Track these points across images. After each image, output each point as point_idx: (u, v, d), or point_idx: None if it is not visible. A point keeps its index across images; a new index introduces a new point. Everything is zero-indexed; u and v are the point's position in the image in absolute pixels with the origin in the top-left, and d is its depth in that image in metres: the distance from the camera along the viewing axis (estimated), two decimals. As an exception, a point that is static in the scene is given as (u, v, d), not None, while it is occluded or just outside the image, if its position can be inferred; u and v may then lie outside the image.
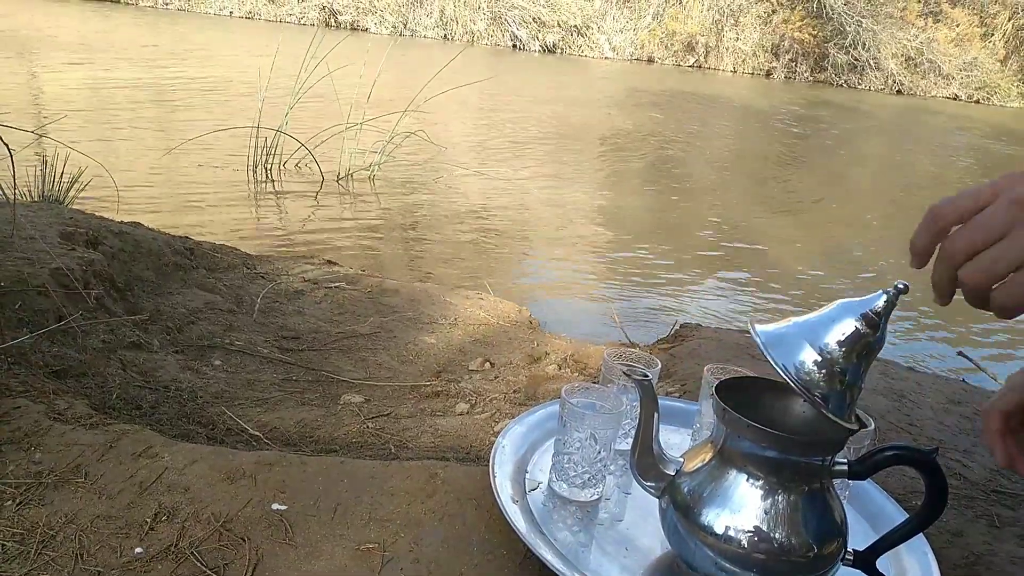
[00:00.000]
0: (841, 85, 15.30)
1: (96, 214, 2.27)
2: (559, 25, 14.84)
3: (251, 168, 4.32)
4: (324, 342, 1.82)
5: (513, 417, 1.19)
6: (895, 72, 15.29)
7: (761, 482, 0.77)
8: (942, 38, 15.40)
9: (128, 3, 13.94)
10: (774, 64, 15.48)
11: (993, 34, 15.96)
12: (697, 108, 9.93)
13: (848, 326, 0.74)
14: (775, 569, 0.75)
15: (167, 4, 14.12)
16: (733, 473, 0.78)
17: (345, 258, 3.02)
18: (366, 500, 1.00)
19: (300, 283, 2.18)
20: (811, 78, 15.43)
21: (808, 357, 0.73)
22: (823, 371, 0.73)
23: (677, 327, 2.14)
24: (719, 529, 0.76)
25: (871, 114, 11.66)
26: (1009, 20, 15.85)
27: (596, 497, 1.01)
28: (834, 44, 15.26)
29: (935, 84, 15.35)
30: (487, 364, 1.78)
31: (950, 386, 1.80)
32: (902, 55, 15.28)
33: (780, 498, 0.77)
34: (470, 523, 0.98)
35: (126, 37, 9.64)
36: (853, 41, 15.12)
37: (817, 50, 15.40)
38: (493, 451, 1.06)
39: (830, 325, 0.75)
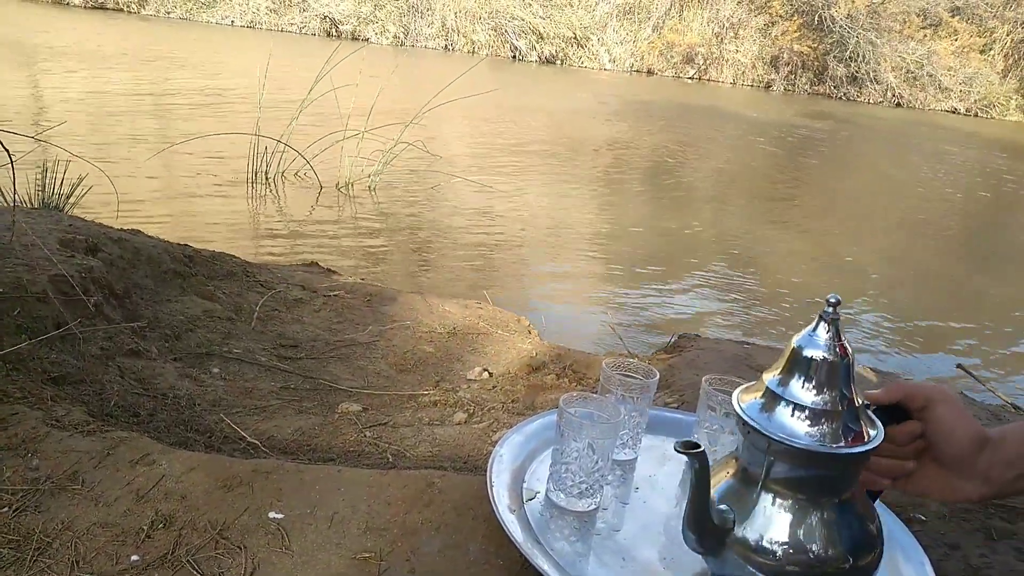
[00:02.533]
0: (840, 98, 15.36)
1: (95, 221, 2.27)
2: (559, 37, 14.90)
3: (251, 177, 4.33)
4: (322, 350, 1.82)
5: (511, 427, 1.19)
6: (894, 85, 15.35)
7: (790, 500, 0.76)
8: (942, 51, 15.46)
9: (131, 12, 14.00)
10: (773, 76, 15.54)
11: (992, 48, 16.03)
12: (696, 120, 9.96)
13: (815, 366, 0.74)
14: None
15: (169, 13, 14.18)
16: (761, 492, 0.77)
17: (344, 267, 3.02)
18: (363, 509, 1.00)
19: (299, 291, 2.19)
20: (810, 90, 15.49)
21: (799, 423, 0.73)
22: (821, 420, 0.72)
23: (675, 337, 2.14)
24: (753, 545, 0.75)
25: (870, 127, 11.70)
26: (1008, 35, 15.93)
27: (593, 507, 1.01)
28: (834, 56, 15.33)
29: (934, 97, 15.41)
30: (485, 373, 1.78)
31: (948, 398, 1.79)
32: (902, 68, 15.35)
33: (812, 513, 0.75)
34: (467, 533, 0.97)
35: (128, 45, 9.68)
36: (853, 54, 15.19)
37: (817, 62, 15.47)
38: (491, 460, 1.05)
39: (797, 372, 0.74)
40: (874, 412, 0.76)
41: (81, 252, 1.82)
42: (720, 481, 0.82)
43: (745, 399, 0.78)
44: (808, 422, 0.73)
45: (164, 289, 1.95)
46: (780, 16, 15.57)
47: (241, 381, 1.60)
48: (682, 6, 15.74)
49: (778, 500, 0.76)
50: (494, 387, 1.71)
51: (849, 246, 4.76)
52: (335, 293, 2.21)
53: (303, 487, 1.03)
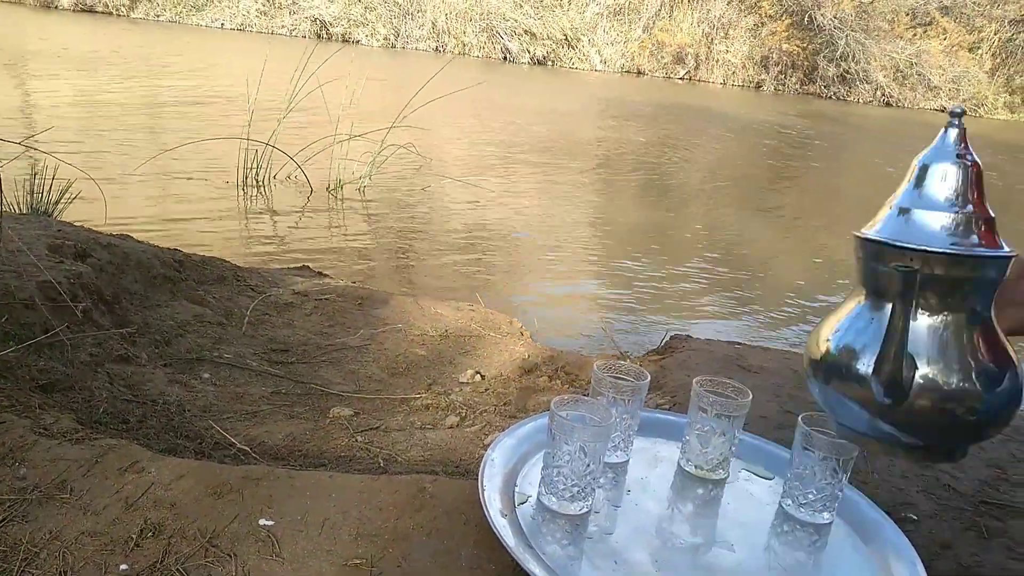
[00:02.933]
0: (830, 97, 15.42)
1: (84, 226, 2.26)
2: (550, 38, 14.92)
3: (241, 180, 4.32)
4: (314, 355, 1.81)
5: (503, 430, 1.19)
6: (884, 84, 15.42)
7: (952, 322, 0.69)
8: (931, 51, 15.54)
9: (119, 15, 13.94)
10: (763, 76, 15.60)
11: (980, 47, 16.12)
12: (687, 120, 9.98)
13: (948, 170, 0.70)
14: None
15: (158, 16, 14.13)
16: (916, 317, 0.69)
17: (335, 270, 3.01)
18: (354, 515, 0.99)
19: (290, 295, 2.18)
20: (800, 90, 15.56)
21: (941, 220, 0.68)
22: (966, 224, 0.68)
23: (667, 338, 2.14)
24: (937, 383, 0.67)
25: (860, 126, 11.75)
26: (996, 33, 16.03)
27: (585, 510, 1.01)
28: (823, 56, 15.39)
29: (923, 96, 15.49)
30: (477, 376, 1.77)
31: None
32: (891, 68, 15.42)
33: (969, 332, 0.69)
34: (459, 538, 0.97)
35: (117, 49, 9.64)
36: (843, 54, 15.25)
37: (806, 62, 15.53)
38: (482, 464, 1.05)
39: (929, 184, 0.70)
40: None
41: (70, 258, 1.81)
42: (848, 315, 0.74)
43: (870, 228, 0.72)
44: (952, 228, 0.68)
45: (154, 294, 1.94)
46: (769, 16, 15.64)
47: (232, 386, 1.59)
48: (672, 6, 15.79)
49: (943, 326, 0.69)
50: (486, 390, 1.71)
51: (840, 244, 4.78)
52: (326, 297, 2.20)
53: (294, 493, 1.02)
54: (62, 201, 2.70)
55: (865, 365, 0.69)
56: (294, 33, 14.14)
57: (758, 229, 4.99)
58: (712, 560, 0.96)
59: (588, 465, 0.99)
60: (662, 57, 15.45)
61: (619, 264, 3.88)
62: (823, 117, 11.89)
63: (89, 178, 2.67)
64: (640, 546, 0.97)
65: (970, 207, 0.69)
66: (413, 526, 0.98)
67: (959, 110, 0.71)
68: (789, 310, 3.49)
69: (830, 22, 15.24)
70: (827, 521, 1.05)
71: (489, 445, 1.13)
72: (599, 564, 0.92)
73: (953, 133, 0.71)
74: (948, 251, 0.67)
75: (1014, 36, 15.99)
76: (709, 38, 15.62)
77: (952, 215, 0.69)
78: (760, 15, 15.69)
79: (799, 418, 1.05)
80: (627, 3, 15.69)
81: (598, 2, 15.54)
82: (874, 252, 0.71)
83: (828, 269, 4.33)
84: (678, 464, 1.16)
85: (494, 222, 4.27)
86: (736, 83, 15.63)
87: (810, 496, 1.04)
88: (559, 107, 9.67)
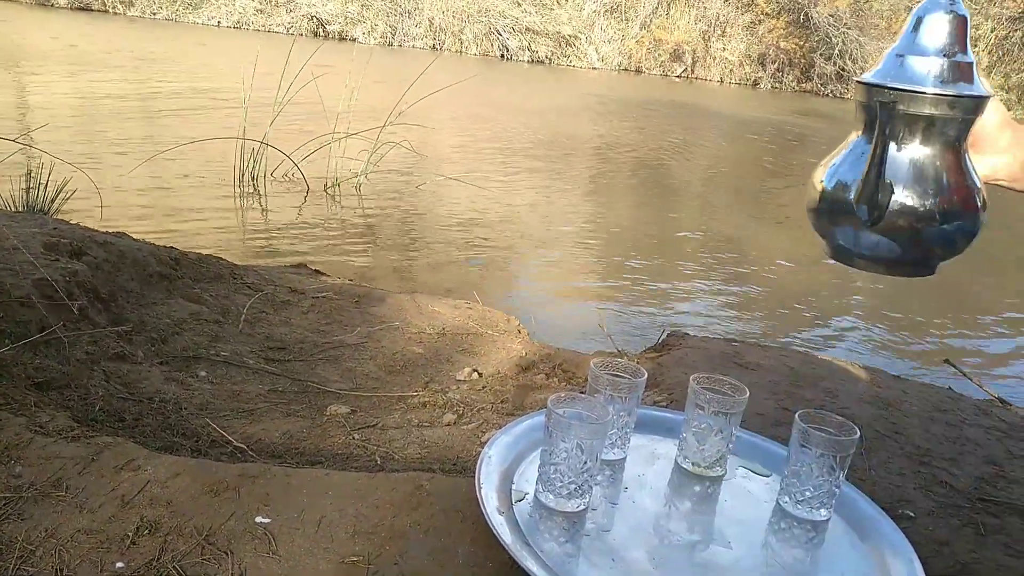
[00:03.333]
0: (827, 95, 15.43)
1: (80, 224, 2.25)
2: (547, 34, 14.90)
3: (237, 178, 4.31)
4: (311, 352, 1.81)
5: (501, 427, 1.19)
6: (881, 82, 15.40)
7: (933, 154, 0.77)
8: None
9: (116, 13, 13.91)
10: (760, 74, 15.60)
11: (976, 44, 16.13)
12: (685, 118, 9.98)
13: (942, 22, 0.76)
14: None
15: (155, 14, 14.10)
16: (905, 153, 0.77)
17: (332, 268, 3.01)
18: (351, 513, 0.99)
19: (287, 293, 2.17)
20: (797, 88, 15.56)
21: (925, 64, 0.75)
22: (957, 70, 0.75)
23: (664, 336, 2.14)
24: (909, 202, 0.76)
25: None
26: (992, 31, 16.04)
27: (583, 508, 1.01)
28: (820, 54, 15.39)
29: (920, 94, 15.48)
30: (475, 374, 1.77)
31: (936, 394, 1.80)
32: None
33: (948, 159, 0.77)
34: (456, 535, 0.97)
35: (113, 47, 9.62)
36: (839, 51, 15.25)
37: (803, 60, 15.53)
38: (479, 462, 1.05)
39: (924, 31, 0.76)
40: None
41: (66, 256, 1.80)
42: (842, 152, 0.82)
43: (871, 74, 0.78)
44: (942, 74, 0.75)
45: (150, 292, 1.93)
46: (766, 14, 15.64)
47: (228, 384, 1.59)
48: (669, 4, 15.78)
49: (920, 159, 0.77)
50: (483, 388, 1.70)
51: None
52: (323, 294, 2.20)
53: (290, 491, 1.02)
54: (58, 199, 2.69)
55: (851, 191, 0.78)
56: (291, 31, 14.11)
57: (755, 227, 5.00)
58: (709, 557, 0.96)
59: (585, 462, 0.98)
60: (659, 55, 15.45)
61: (616, 262, 3.87)
62: (820, 115, 11.90)
63: (86, 176, 2.66)
64: (637, 543, 0.97)
65: (952, 53, 0.75)
66: (410, 524, 0.98)
67: None
68: (786, 308, 3.49)
69: (826, 20, 15.25)
70: (824, 518, 1.05)
71: (486, 443, 1.13)
72: (596, 561, 0.92)
73: None
74: (919, 90, 0.75)
75: (1011, 34, 16.00)
76: (706, 36, 15.62)
77: (934, 59, 0.75)
78: (757, 13, 15.69)
79: (796, 415, 1.05)
80: (624, 1, 15.69)
81: (595, 0, 15.53)
82: (865, 92, 0.79)
83: (825, 267, 4.34)
84: (675, 461, 1.16)
85: (492, 220, 4.27)
86: (733, 81, 15.63)
87: (807, 493, 1.04)
88: (557, 105, 9.66)
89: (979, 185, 0.79)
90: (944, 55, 0.74)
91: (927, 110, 0.75)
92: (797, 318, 3.39)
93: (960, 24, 0.75)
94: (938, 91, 0.74)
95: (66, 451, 1.06)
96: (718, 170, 7.00)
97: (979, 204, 0.78)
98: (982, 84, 0.76)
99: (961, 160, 0.78)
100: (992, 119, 0.79)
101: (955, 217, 0.77)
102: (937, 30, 0.75)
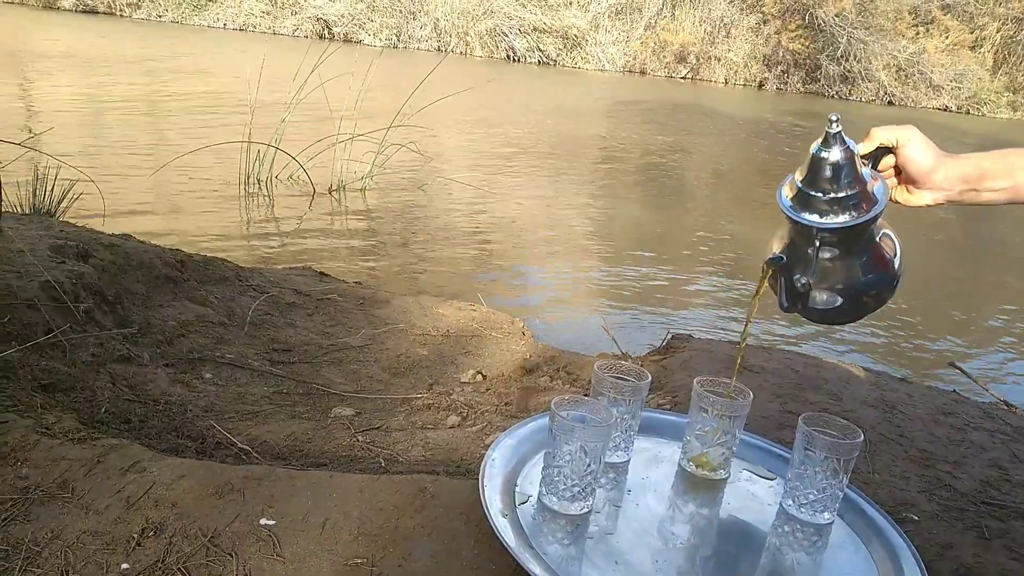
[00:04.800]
0: (833, 96, 15.39)
1: (87, 227, 2.26)
2: (553, 36, 14.91)
3: (243, 181, 4.32)
4: (315, 355, 1.81)
5: (504, 430, 1.19)
6: (886, 83, 15.39)
7: (839, 258, 0.93)
8: (932, 49, 15.50)
9: (122, 15, 13.97)
10: (766, 75, 15.58)
11: (982, 45, 16.08)
12: (690, 120, 9.98)
13: (829, 166, 0.90)
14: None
15: (160, 16, 14.15)
16: (816, 258, 0.93)
17: (337, 270, 3.01)
18: (355, 515, 0.99)
19: (292, 295, 2.18)
20: (803, 89, 15.53)
21: (824, 210, 0.90)
22: (836, 208, 0.89)
23: (668, 338, 2.14)
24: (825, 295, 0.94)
25: (863, 125, 11.71)
26: (998, 31, 15.98)
27: (586, 510, 1.01)
28: (826, 55, 15.36)
29: (925, 95, 15.46)
30: (479, 376, 1.77)
31: (941, 397, 1.80)
32: (893, 66, 15.39)
33: (855, 258, 0.94)
34: (459, 538, 0.97)
35: (120, 50, 9.65)
36: (845, 52, 15.22)
37: (809, 61, 15.50)
38: (483, 464, 1.05)
39: (817, 174, 0.90)
40: (868, 156, 0.95)
41: (72, 258, 1.81)
42: (780, 239, 0.99)
43: (786, 197, 0.94)
44: (837, 209, 0.89)
45: (156, 294, 1.94)
46: (772, 15, 15.61)
47: (233, 386, 1.59)
48: (674, 6, 15.77)
49: (832, 259, 0.93)
50: (487, 390, 1.71)
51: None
52: (328, 297, 2.20)
53: (295, 493, 1.02)
54: (64, 201, 2.70)
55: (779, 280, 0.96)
56: (297, 33, 14.15)
57: (761, 229, 4.99)
58: (713, 560, 0.97)
59: (589, 465, 0.99)
60: (664, 56, 15.44)
61: (621, 264, 3.87)
62: (826, 116, 11.85)
63: (91, 180, 2.67)
64: (641, 546, 0.97)
65: (847, 194, 0.90)
66: (414, 526, 0.98)
67: (835, 117, 0.91)
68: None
69: (832, 21, 15.21)
70: (828, 521, 1.05)
71: (490, 445, 1.13)
72: (600, 564, 0.92)
73: (834, 142, 0.90)
74: (826, 225, 0.90)
75: (1016, 34, 15.95)
76: (711, 37, 15.61)
77: (833, 200, 0.90)
78: (762, 14, 15.67)
79: (800, 418, 1.05)
80: (629, 2, 15.68)
81: (600, 1, 15.52)
82: (787, 217, 0.94)
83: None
84: (679, 464, 1.16)
85: (496, 222, 4.27)
86: (738, 82, 15.61)
87: (811, 496, 1.04)
88: (562, 106, 9.67)
89: (890, 249, 0.95)
90: (843, 196, 0.89)
91: (836, 236, 0.90)
92: (801, 321, 3.39)
93: (849, 160, 0.89)
94: (841, 224, 0.89)
95: (72, 453, 1.07)
96: (723, 172, 6.99)
97: (889, 267, 0.95)
98: (873, 191, 0.90)
99: (871, 244, 0.93)
100: (924, 165, 0.94)
101: (870, 284, 0.94)
102: (835, 176, 0.89)
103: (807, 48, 15.38)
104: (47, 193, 2.64)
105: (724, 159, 7.61)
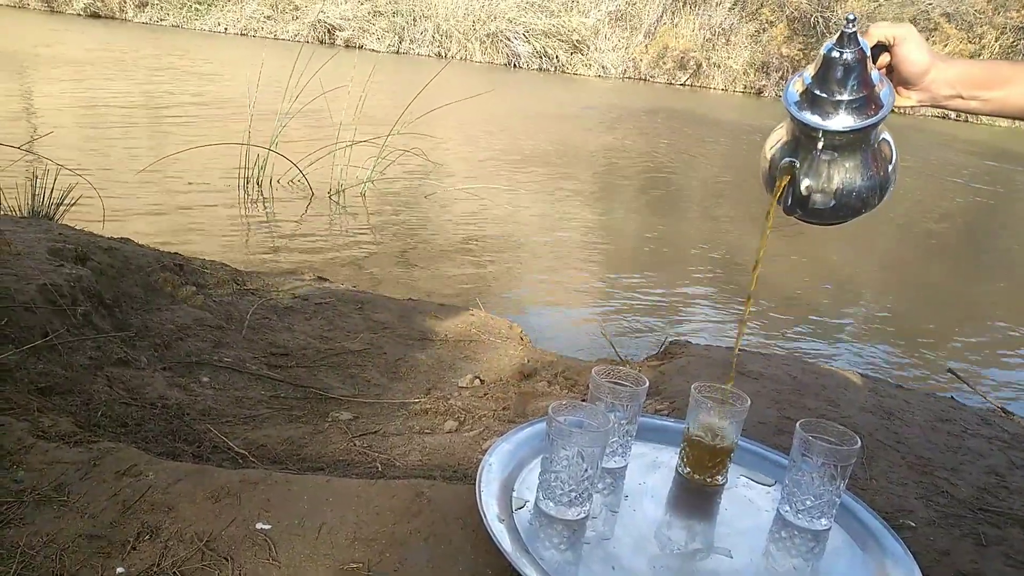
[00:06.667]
0: (832, 103, 15.39)
1: (85, 230, 2.26)
2: (554, 42, 14.94)
3: (242, 185, 4.33)
4: (314, 359, 1.81)
5: (502, 435, 1.19)
6: (885, 91, 15.40)
7: (843, 156, 0.94)
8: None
9: (124, 20, 13.99)
10: (764, 82, 15.61)
11: (982, 54, 16.12)
12: (689, 126, 9.99)
13: (840, 65, 0.90)
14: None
15: (161, 20, 14.17)
16: (819, 154, 0.95)
17: (336, 274, 3.01)
18: (351, 519, 0.99)
19: (290, 299, 2.18)
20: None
21: (830, 112, 0.90)
22: (843, 110, 0.90)
23: (666, 344, 2.14)
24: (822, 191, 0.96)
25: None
26: (996, 40, 16.03)
27: (583, 515, 1.01)
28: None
29: (925, 102, 15.46)
30: (477, 381, 1.77)
31: (938, 404, 1.80)
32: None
33: (860, 155, 0.95)
34: (456, 543, 0.97)
35: (120, 54, 9.67)
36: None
37: (807, 68, 15.52)
38: (480, 469, 1.05)
39: (828, 74, 0.90)
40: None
41: (70, 261, 1.81)
42: (780, 141, 1.00)
43: (793, 93, 0.94)
44: (844, 111, 0.90)
45: (154, 298, 1.94)
46: (770, 22, 15.65)
47: (231, 390, 1.59)
48: (673, 12, 15.81)
49: (834, 161, 0.94)
50: (485, 395, 1.70)
51: (841, 252, 4.77)
52: (326, 301, 2.20)
53: (291, 497, 1.02)
54: (63, 205, 2.70)
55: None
56: (298, 38, 14.16)
57: (757, 236, 4.99)
58: (710, 566, 0.96)
59: (586, 470, 0.99)
60: (664, 63, 15.47)
61: (619, 270, 3.88)
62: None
63: (90, 184, 2.67)
64: (638, 552, 0.97)
65: (855, 91, 0.90)
66: (410, 531, 0.98)
67: (852, 16, 0.91)
68: (788, 317, 3.48)
69: (832, 28, 15.26)
70: (825, 527, 1.04)
71: (487, 450, 1.13)
72: (596, 570, 0.92)
73: (848, 43, 0.90)
74: (831, 128, 0.91)
75: (1016, 43, 15.99)
76: (710, 44, 15.64)
77: (841, 103, 0.90)
78: (761, 21, 15.71)
79: (798, 424, 1.05)
80: (628, 9, 15.71)
81: (600, 8, 15.56)
82: (791, 117, 0.94)
83: (828, 276, 4.33)
84: (676, 470, 1.15)
85: (495, 228, 4.27)
86: (737, 89, 15.63)
87: (808, 502, 1.04)
88: (561, 112, 9.68)
89: (888, 156, 0.96)
90: (850, 99, 0.90)
91: (840, 139, 0.92)
92: (799, 327, 3.39)
93: (861, 62, 0.89)
94: (848, 127, 0.90)
95: (68, 456, 1.06)
96: (721, 178, 7.00)
97: (886, 173, 0.96)
98: (880, 95, 0.91)
99: (873, 148, 0.94)
100: (918, 64, 0.94)
101: (866, 188, 0.95)
102: (845, 77, 0.90)
103: (806, 55, 15.41)
104: (46, 196, 2.64)
105: (723, 166, 7.62)
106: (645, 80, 15.44)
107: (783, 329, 3.31)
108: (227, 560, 0.91)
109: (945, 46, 15.71)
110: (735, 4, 15.78)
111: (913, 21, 15.65)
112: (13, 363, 1.33)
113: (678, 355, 1.94)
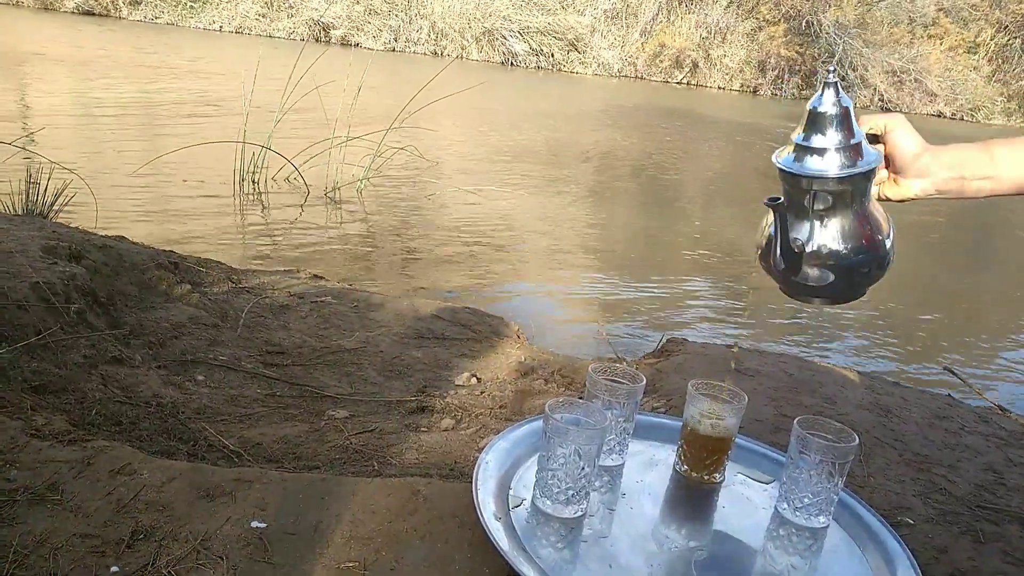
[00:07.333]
0: (828, 101, 15.40)
1: (79, 228, 2.25)
2: (550, 40, 14.93)
3: (238, 182, 4.31)
4: (309, 357, 1.80)
5: (498, 433, 1.18)
6: (882, 89, 15.44)
7: (834, 216, 0.92)
8: (928, 55, 15.57)
9: (119, 17, 13.95)
10: (760, 81, 15.62)
11: (978, 51, 16.15)
12: (685, 125, 10.00)
13: (826, 119, 0.90)
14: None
15: (156, 18, 14.13)
16: (812, 218, 0.93)
17: (332, 272, 3.00)
18: (347, 518, 0.99)
19: (286, 297, 2.17)
20: (798, 95, 15.57)
21: (826, 160, 0.89)
22: (840, 153, 0.89)
23: (663, 342, 2.14)
24: (819, 254, 0.92)
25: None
26: (992, 39, 16.06)
27: (580, 514, 1.01)
28: (821, 61, 15.41)
29: (920, 101, 15.52)
30: (473, 379, 1.77)
31: (936, 401, 1.80)
32: (889, 72, 15.44)
33: (849, 217, 0.92)
34: (453, 541, 0.97)
35: (114, 51, 9.63)
36: (841, 58, 15.27)
37: (804, 67, 15.55)
38: (476, 467, 1.05)
39: (814, 126, 0.91)
40: None
41: (64, 259, 1.80)
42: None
43: (783, 156, 0.94)
44: (831, 157, 0.90)
45: (149, 296, 1.93)
46: (767, 21, 15.66)
47: (226, 388, 1.58)
48: (669, 11, 15.81)
49: (823, 221, 0.92)
50: (482, 392, 1.70)
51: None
52: (322, 299, 2.19)
53: (286, 496, 1.02)
54: (57, 203, 2.69)
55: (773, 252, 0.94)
56: (293, 36, 14.13)
57: (754, 234, 4.99)
58: (707, 564, 0.96)
59: (583, 468, 0.98)
60: (660, 61, 15.47)
61: (616, 267, 3.87)
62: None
63: (84, 181, 2.66)
64: (635, 550, 0.96)
65: (844, 143, 0.90)
66: (406, 529, 0.98)
67: (832, 68, 0.94)
68: (784, 314, 3.48)
69: (828, 27, 15.27)
70: (823, 525, 1.04)
71: (484, 448, 1.12)
72: (594, 568, 0.92)
73: (830, 90, 0.91)
74: (816, 174, 0.90)
75: (1011, 40, 16.03)
76: (707, 42, 15.65)
77: (830, 151, 0.90)
78: (758, 20, 15.72)
79: (795, 422, 1.05)
80: (625, 7, 15.71)
81: (597, 6, 15.56)
82: (782, 176, 0.94)
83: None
84: (674, 468, 1.15)
85: (491, 225, 4.26)
86: (734, 87, 15.65)
87: (806, 500, 1.04)
88: (558, 110, 9.68)
89: (882, 226, 0.94)
90: (837, 147, 0.89)
91: (830, 187, 0.90)
92: (796, 324, 3.39)
93: (844, 114, 0.90)
94: (835, 175, 0.89)
95: (62, 455, 1.06)
96: (718, 176, 7.00)
97: (880, 242, 0.93)
98: (869, 152, 0.91)
99: (863, 211, 0.92)
100: (911, 149, 0.93)
101: (861, 256, 0.92)
102: (830, 124, 0.90)
103: (802, 54, 15.44)
104: (40, 194, 2.62)
105: (720, 164, 7.62)
106: (642, 78, 15.45)
107: (779, 326, 3.31)
108: (221, 559, 0.90)
109: (941, 42, 15.74)
110: (731, 2, 15.78)
111: (909, 19, 15.69)
112: (6, 361, 1.32)
113: (675, 353, 1.94)
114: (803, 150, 0.92)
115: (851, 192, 0.91)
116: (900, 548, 0.99)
